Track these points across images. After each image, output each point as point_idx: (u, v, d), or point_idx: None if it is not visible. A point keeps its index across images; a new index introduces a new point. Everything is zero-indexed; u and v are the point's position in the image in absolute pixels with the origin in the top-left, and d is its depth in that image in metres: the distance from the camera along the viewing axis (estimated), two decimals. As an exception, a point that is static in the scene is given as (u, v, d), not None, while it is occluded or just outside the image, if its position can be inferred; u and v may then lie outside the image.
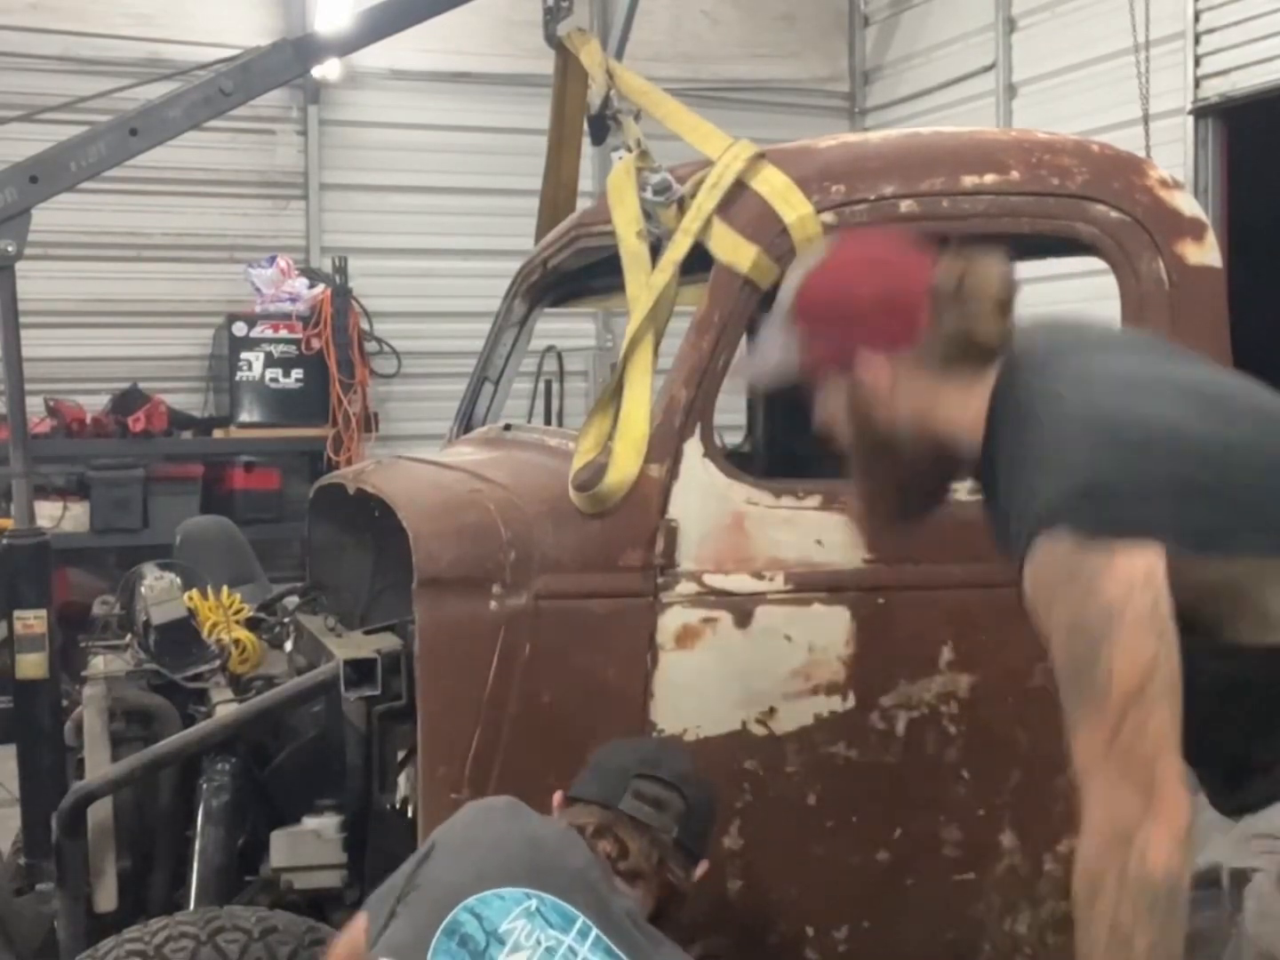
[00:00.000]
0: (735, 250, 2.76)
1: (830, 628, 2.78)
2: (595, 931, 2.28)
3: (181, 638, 3.52)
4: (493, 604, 2.67)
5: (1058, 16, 8.94)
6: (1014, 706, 2.88)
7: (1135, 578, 1.85)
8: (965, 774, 2.88)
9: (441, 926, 2.22)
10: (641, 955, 2.32)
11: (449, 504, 2.84)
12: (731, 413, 4.30)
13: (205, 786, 3.09)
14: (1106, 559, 1.86)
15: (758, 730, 2.77)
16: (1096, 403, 1.97)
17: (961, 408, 2.09)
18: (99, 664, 3.58)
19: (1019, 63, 9.61)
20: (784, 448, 4.79)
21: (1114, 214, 2.89)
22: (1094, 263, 3.01)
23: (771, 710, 2.77)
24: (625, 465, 2.68)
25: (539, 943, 2.23)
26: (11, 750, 3.49)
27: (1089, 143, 3.07)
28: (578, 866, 2.36)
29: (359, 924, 2.16)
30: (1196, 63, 7.69)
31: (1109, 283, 2.96)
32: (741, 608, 2.74)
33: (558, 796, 2.54)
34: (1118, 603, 1.85)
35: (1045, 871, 2.94)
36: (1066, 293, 8.40)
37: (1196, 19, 7.66)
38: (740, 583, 2.75)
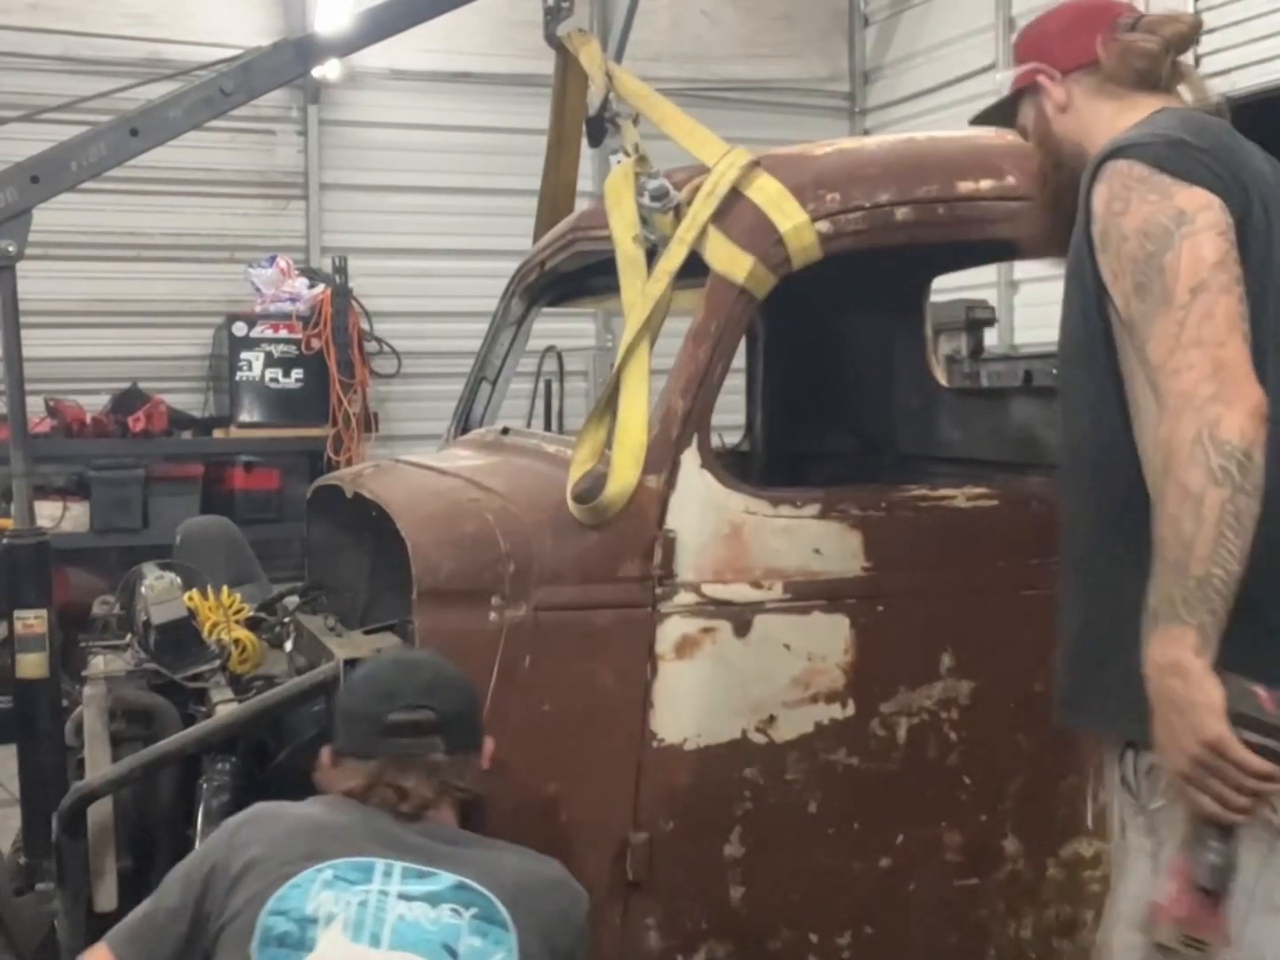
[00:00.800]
0: (731, 260, 2.76)
1: (829, 636, 2.78)
2: (398, 865, 2.29)
3: (181, 638, 3.52)
4: (492, 615, 2.68)
5: (1058, 17, 8.93)
6: (1015, 712, 2.88)
7: (1211, 202, 1.97)
8: (966, 780, 2.88)
9: (254, 944, 2.22)
10: (453, 861, 2.33)
11: (448, 513, 2.84)
12: (731, 413, 4.30)
13: (205, 786, 3.08)
14: (1185, 186, 1.98)
15: (758, 739, 2.77)
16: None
17: (1108, 128, 2.19)
18: (99, 664, 3.57)
19: (1019, 63, 9.60)
20: (783, 447, 4.79)
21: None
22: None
23: (771, 719, 2.77)
24: (624, 476, 2.68)
25: (348, 903, 2.23)
26: (11, 750, 3.49)
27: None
28: (357, 821, 2.37)
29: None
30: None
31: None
32: (740, 617, 2.74)
33: (326, 753, 2.56)
34: (1190, 209, 1.96)
35: (1048, 876, 2.95)
36: (1066, 293, 8.40)
37: (1197, 19, 7.67)
38: (739, 592, 2.75)
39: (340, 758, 2.52)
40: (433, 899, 2.26)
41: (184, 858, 3.10)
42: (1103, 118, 2.24)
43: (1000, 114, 2.44)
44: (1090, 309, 2.10)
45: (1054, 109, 2.29)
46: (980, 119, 2.51)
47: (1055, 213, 2.30)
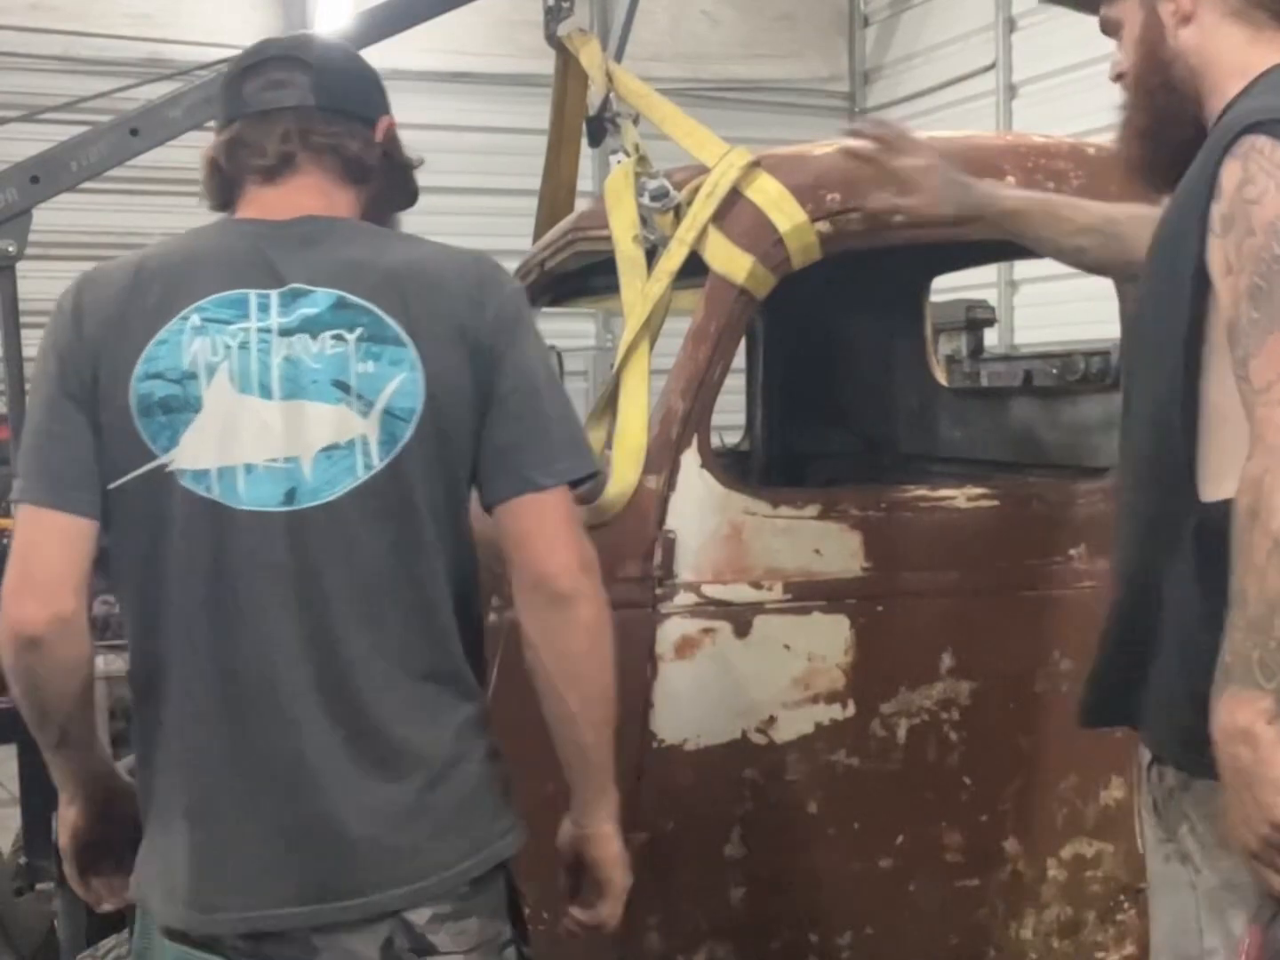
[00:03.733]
0: (730, 260, 2.76)
1: (829, 636, 2.78)
2: (273, 293, 1.89)
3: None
4: (492, 616, 2.67)
5: (1058, 16, 8.94)
6: (1015, 712, 2.88)
7: None
8: (967, 780, 2.88)
9: (135, 418, 1.86)
10: (327, 273, 1.92)
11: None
12: (732, 412, 4.30)
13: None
14: None
15: (758, 739, 2.77)
16: None
17: (1237, 59, 1.93)
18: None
19: (1019, 63, 9.63)
20: (783, 447, 4.80)
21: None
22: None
23: (771, 719, 2.77)
24: (625, 477, 2.68)
25: (227, 347, 1.87)
26: (11, 750, 3.49)
27: (1085, 145, 3.07)
28: (216, 246, 1.95)
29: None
30: None
31: (1109, 283, 2.95)
32: (740, 617, 2.74)
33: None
34: None
35: (1049, 877, 2.95)
36: (1067, 293, 8.41)
37: (1197, 19, 7.65)
38: (739, 592, 2.74)
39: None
40: (311, 326, 1.87)
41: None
42: (1232, 45, 1.93)
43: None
44: (1182, 293, 1.86)
45: (1176, 18, 1.97)
46: None
47: (1155, 142, 2.03)
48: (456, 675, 1.96)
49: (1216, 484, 1.84)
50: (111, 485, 1.87)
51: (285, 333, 1.88)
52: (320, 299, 1.89)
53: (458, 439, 1.90)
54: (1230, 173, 1.79)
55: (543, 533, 1.91)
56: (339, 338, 1.87)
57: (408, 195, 2.19)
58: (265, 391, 1.86)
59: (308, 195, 1.99)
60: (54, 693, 1.87)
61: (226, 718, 1.85)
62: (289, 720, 1.84)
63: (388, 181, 2.10)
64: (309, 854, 1.83)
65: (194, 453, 1.85)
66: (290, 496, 1.85)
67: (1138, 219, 2.34)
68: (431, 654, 1.92)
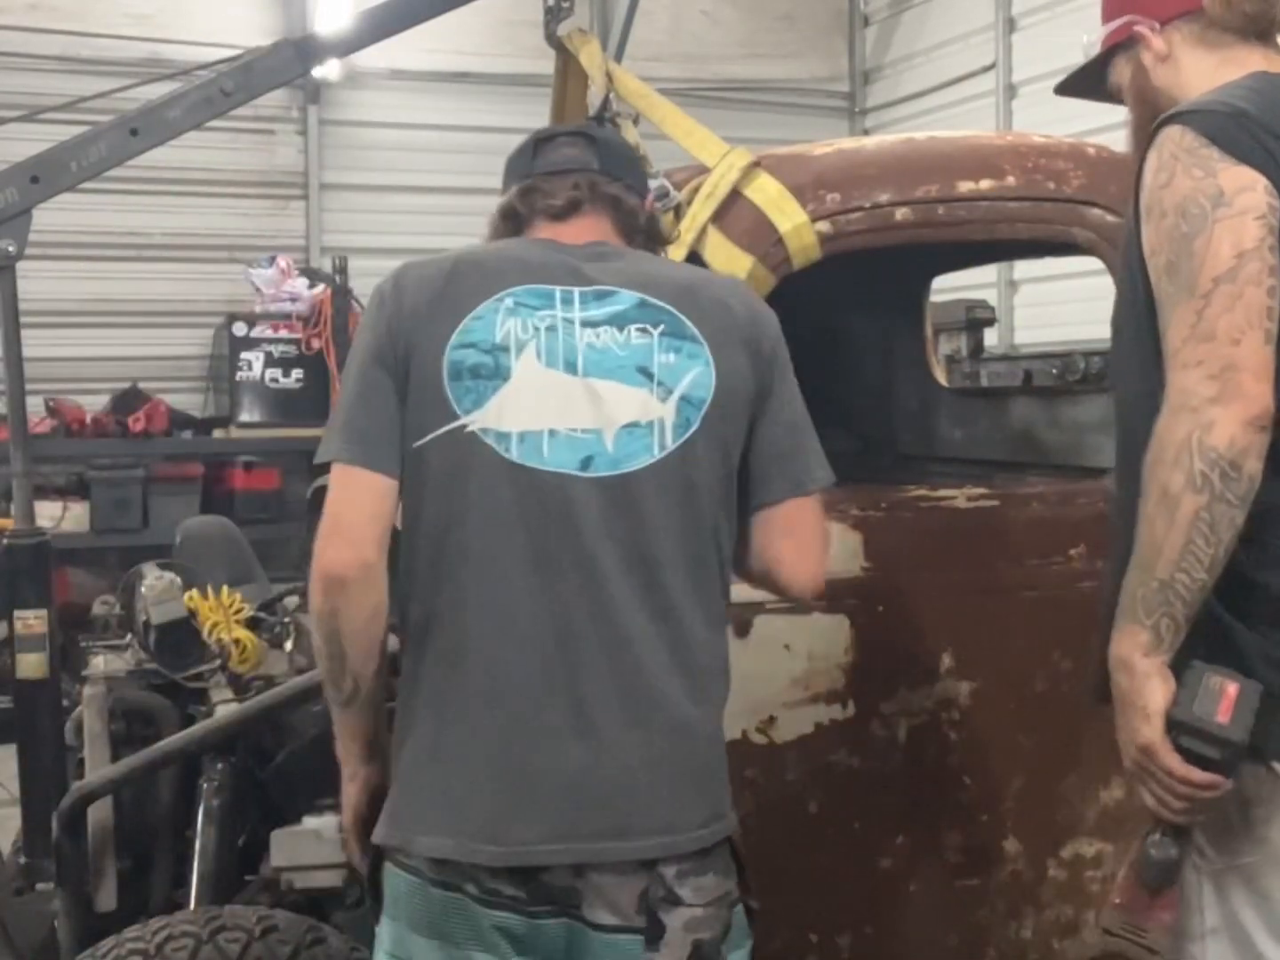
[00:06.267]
0: (731, 261, 2.76)
1: (829, 636, 2.78)
2: (576, 290, 2.09)
3: (181, 638, 3.51)
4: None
5: (1058, 16, 8.93)
6: (1015, 712, 2.88)
7: (1255, 182, 1.87)
8: (967, 780, 2.88)
9: (445, 379, 2.03)
10: (629, 278, 2.12)
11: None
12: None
13: (205, 786, 3.08)
14: (1232, 163, 1.88)
15: (758, 739, 2.77)
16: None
17: (1207, 82, 2.07)
18: (99, 664, 3.57)
19: (1019, 63, 9.61)
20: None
21: (1110, 218, 2.89)
22: (1093, 263, 3.01)
23: (772, 719, 2.77)
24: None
25: (536, 329, 2.05)
26: (11, 750, 3.50)
27: (1085, 145, 3.07)
28: (523, 253, 2.17)
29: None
30: None
31: (1109, 283, 2.95)
32: (740, 617, 2.73)
33: None
34: (1231, 191, 1.86)
35: (1049, 876, 2.95)
36: (1067, 293, 8.40)
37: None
38: (739, 592, 2.73)
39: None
40: (617, 320, 2.07)
41: (184, 858, 3.12)
42: (1203, 70, 2.10)
43: (1086, 80, 2.32)
44: (1138, 284, 2.00)
45: (1153, 59, 2.15)
46: (1065, 87, 2.40)
47: None
48: (722, 654, 2.13)
49: None
50: (416, 444, 2.03)
51: (591, 324, 2.07)
52: (625, 298, 2.09)
53: (735, 432, 2.10)
54: (1149, 164, 1.96)
55: (799, 536, 2.17)
56: (644, 330, 2.07)
57: None
58: (571, 368, 2.04)
59: (592, 232, 2.20)
60: (354, 636, 2.02)
61: (530, 650, 1.98)
62: (582, 664, 1.98)
63: (645, 249, 2.29)
64: (585, 796, 1.97)
65: (498, 416, 2.02)
66: (587, 463, 2.01)
67: None
68: (703, 631, 2.06)
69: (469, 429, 2.02)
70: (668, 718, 2.00)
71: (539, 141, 2.28)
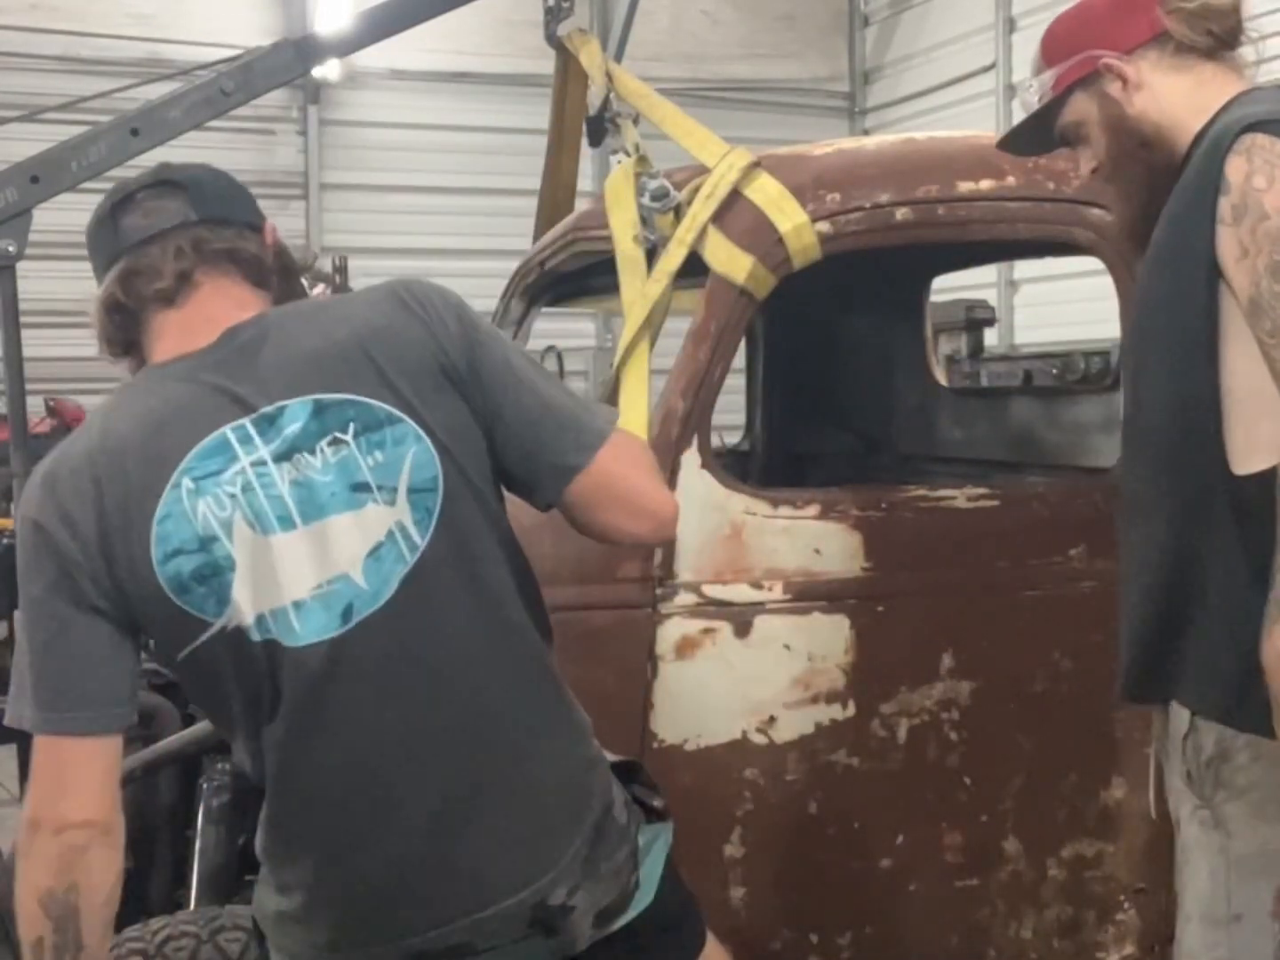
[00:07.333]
0: (731, 260, 2.76)
1: (830, 636, 2.78)
2: (246, 421, 1.84)
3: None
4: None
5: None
6: (1015, 712, 2.88)
7: None
8: (967, 780, 2.88)
9: (173, 600, 1.81)
10: (285, 373, 1.87)
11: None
12: (731, 413, 4.30)
13: (205, 786, 3.08)
14: None
15: (758, 739, 2.77)
16: None
17: (1189, 104, 2.09)
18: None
19: (1019, 63, 9.63)
20: (783, 447, 4.80)
21: (1110, 218, 2.89)
22: (1093, 263, 3.01)
23: (772, 719, 2.77)
24: (625, 477, 2.68)
25: (233, 498, 1.81)
26: (12, 750, 3.49)
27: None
28: (167, 395, 1.86)
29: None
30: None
31: (1109, 283, 2.96)
32: (741, 618, 2.73)
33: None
34: None
35: (1049, 877, 2.94)
36: (1067, 293, 8.41)
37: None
38: (739, 593, 2.75)
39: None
40: (302, 443, 1.83)
41: (184, 858, 3.12)
42: (1182, 92, 2.12)
43: (1031, 132, 2.30)
44: (1195, 285, 1.98)
45: (1129, 89, 2.13)
46: (1016, 142, 2.38)
47: (1149, 195, 2.17)
48: (558, 683, 2.03)
49: (1246, 459, 1.96)
50: (179, 656, 1.86)
51: (281, 458, 1.83)
52: (297, 411, 1.84)
53: (480, 472, 1.93)
54: (1235, 168, 1.94)
55: (612, 501, 1.97)
56: (336, 441, 1.84)
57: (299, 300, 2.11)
58: (286, 523, 1.83)
59: (216, 307, 1.93)
60: (93, 918, 1.82)
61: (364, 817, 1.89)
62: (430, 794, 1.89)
63: (283, 288, 2.05)
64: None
65: (245, 607, 1.82)
66: (348, 613, 1.84)
67: None
68: (538, 671, 1.99)
69: (230, 628, 1.82)
70: (530, 776, 1.94)
71: (115, 205, 1.99)
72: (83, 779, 1.80)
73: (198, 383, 1.86)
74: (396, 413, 1.86)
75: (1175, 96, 2.13)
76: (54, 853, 1.78)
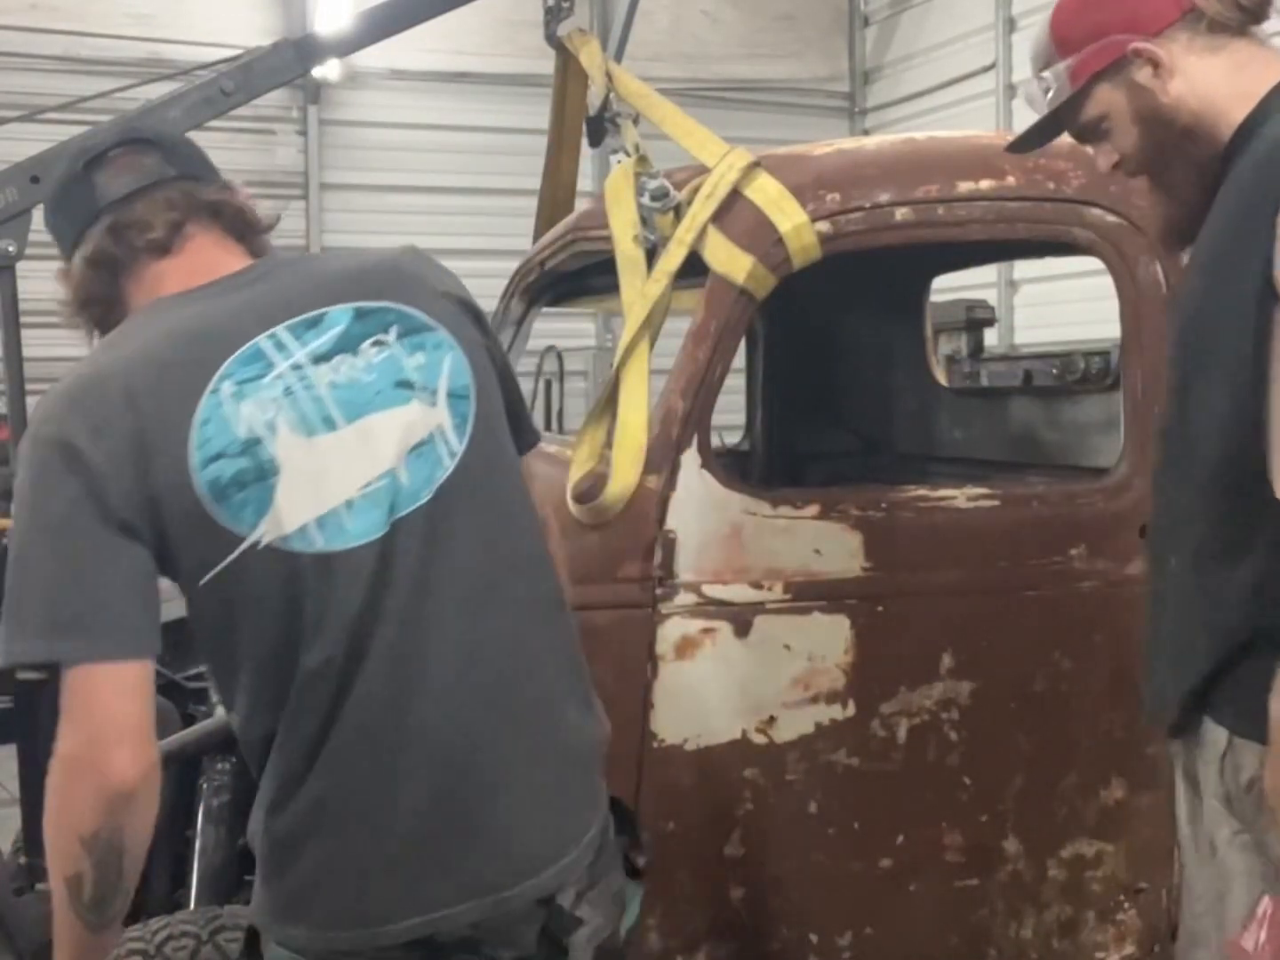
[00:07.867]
0: (731, 260, 2.76)
1: (830, 636, 2.78)
2: (279, 328, 1.82)
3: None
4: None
5: (1058, 17, 8.93)
6: (1015, 712, 2.88)
7: None
8: (967, 780, 2.88)
9: (210, 508, 1.74)
10: (319, 286, 1.90)
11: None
12: (732, 412, 4.31)
13: (205, 786, 3.09)
14: None
15: (758, 739, 2.77)
16: None
17: (1228, 88, 1.94)
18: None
19: (1019, 63, 9.61)
20: (783, 447, 4.80)
21: (1110, 218, 2.89)
22: (1093, 263, 3.01)
23: (772, 719, 2.77)
24: (625, 476, 2.68)
25: (275, 401, 1.78)
26: (12, 750, 3.49)
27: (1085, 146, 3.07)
28: (183, 319, 1.84)
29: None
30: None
31: (1109, 283, 2.96)
32: (741, 617, 2.74)
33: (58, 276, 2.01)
34: None
35: (1049, 877, 2.94)
36: (1066, 292, 8.41)
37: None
38: (739, 593, 2.75)
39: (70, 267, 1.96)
40: (345, 344, 1.84)
41: (184, 858, 3.12)
42: (1219, 76, 1.95)
43: (1047, 127, 2.14)
44: (1248, 303, 1.81)
45: (1162, 75, 1.95)
46: (1030, 141, 2.25)
47: (1197, 193, 2.00)
48: (572, 636, 2.03)
49: None
50: (201, 581, 1.78)
51: (320, 359, 1.83)
52: (339, 316, 1.86)
53: (496, 399, 1.98)
54: None
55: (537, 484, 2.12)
56: (379, 343, 1.87)
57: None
58: (330, 424, 1.81)
59: (211, 256, 1.93)
60: (136, 851, 1.76)
61: (401, 748, 1.82)
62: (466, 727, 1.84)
63: (255, 249, 2.03)
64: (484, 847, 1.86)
65: (286, 515, 1.77)
66: (392, 510, 1.81)
67: None
68: (553, 613, 1.99)
69: (262, 544, 1.76)
70: (558, 736, 1.93)
71: (88, 164, 1.94)
72: (124, 715, 1.71)
73: (226, 299, 1.86)
74: (432, 322, 1.91)
75: (1213, 81, 1.96)
76: (102, 796, 1.70)
